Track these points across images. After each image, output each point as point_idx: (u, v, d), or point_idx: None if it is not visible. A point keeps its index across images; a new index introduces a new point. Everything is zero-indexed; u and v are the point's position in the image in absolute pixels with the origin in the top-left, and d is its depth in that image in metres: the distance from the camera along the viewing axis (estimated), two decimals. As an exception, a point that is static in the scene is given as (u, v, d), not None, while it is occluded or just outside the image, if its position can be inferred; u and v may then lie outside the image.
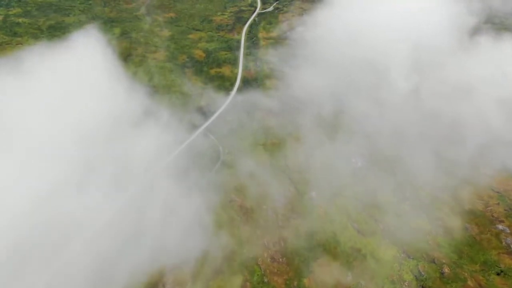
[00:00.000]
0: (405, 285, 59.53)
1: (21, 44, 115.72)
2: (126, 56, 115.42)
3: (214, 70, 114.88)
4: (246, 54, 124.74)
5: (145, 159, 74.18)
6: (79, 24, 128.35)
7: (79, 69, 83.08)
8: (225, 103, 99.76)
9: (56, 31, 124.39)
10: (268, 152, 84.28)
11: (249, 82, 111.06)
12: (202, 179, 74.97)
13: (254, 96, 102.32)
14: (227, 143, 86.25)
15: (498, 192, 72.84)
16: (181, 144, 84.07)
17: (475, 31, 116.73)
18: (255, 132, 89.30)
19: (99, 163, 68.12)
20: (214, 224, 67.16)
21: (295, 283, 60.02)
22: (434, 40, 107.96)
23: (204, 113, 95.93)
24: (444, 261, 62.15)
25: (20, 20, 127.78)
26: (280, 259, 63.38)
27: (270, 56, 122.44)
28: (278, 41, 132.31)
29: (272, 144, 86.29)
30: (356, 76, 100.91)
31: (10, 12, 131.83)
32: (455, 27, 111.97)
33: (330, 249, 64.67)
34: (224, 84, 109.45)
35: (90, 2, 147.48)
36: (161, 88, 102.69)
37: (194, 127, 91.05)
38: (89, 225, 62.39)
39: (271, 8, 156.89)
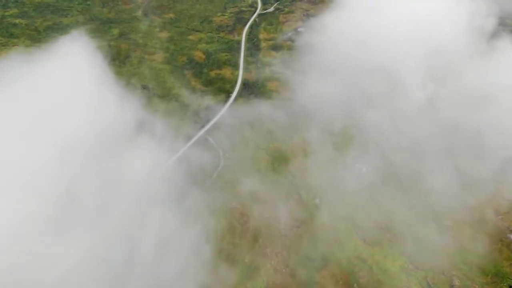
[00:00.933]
0: (413, 297, 57.36)
1: (18, 45, 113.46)
2: (125, 58, 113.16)
3: (214, 72, 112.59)
4: (246, 56, 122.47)
5: (136, 179, 66.84)
6: (76, 25, 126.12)
7: (63, 78, 74.48)
8: (225, 107, 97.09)
9: (53, 32, 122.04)
10: (270, 157, 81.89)
11: (250, 85, 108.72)
12: (201, 188, 71.77)
13: (255, 100, 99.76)
14: (227, 149, 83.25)
15: (509, 200, 70.57)
16: (177, 155, 78.44)
17: (493, 34, 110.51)
18: (256, 136, 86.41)
19: (82, 188, 59.65)
20: (214, 232, 64.76)
21: (299, 295, 57.79)
22: (450, 44, 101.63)
23: (203, 118, 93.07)
24: (454, 272, 59.90)
25: (16, 21, 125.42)
26: (283, 270, 61.09)
27: (271, 58, 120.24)
28: (279, 42, 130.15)
29: (274, 149, 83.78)
30: (366, 83, 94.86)
31: (6, 13, 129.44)
32: (473, 29, 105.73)
33: (335, 259, 62.42)
34: (224, 86, 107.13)
35: (89, 2, 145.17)
36: (159, 91, 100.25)
37: (192, 136, 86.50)
38: (66, 265, 53.60)
39: (271, 9, 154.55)
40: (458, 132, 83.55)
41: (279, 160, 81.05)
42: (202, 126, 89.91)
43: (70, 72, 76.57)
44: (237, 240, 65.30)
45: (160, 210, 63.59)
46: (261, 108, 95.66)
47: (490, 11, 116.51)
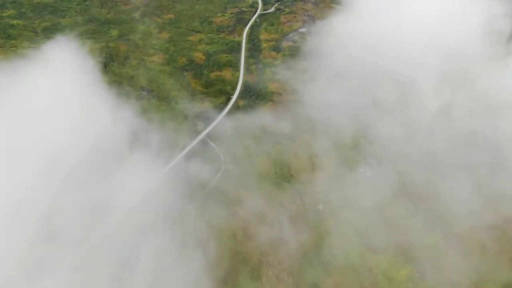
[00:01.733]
0: (421, 308, 55.58)
1: (15, 47, 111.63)
2: (124, 59, 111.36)
3: (214, 73, 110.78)
4: (247, 57, 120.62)
5: (128, 202, 57.97)
6: (74, 26, 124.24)
7: (48, 88, 66.30)
8: (223, 113, 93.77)
9: (51, 33, 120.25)
10: (272, 161, 79.72)
11: (251, 86, 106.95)
12: (200, 201, 67.61)
13: (257, 102, 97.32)
14: (227, 158, 78.79)
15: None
16: (171, 165, 71.45)
17: (511, 37, 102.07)
18: (258, 143, 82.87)
19: (64, 219, 50.43)
20: (216, 244, 62.80)
21: (302, 305, 56.04)
22: (465, 48, 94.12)
23: (203, 124, 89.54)
24: (462, 282, 58.02)
25: (14, 22, 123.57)
26: (286, 279, 59.28)
27: (272, 59, 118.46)
28: (280, 43, 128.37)
29: (276, 153, 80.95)
30: (376, 89, 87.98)
31: (4, 14, 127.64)
32: (489, 32, 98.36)
33: (339, 267, 60.60)
34: (225, 88, 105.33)
35: (87, 3, 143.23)
36: (158, 94, 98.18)
37: (191, 147, 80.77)
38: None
39: (272, 9, 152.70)
40: (476, 142, 77.90)
41: (280, 164, 78.81)
42: (201, 135, 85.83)
43: (56, 81, 69.45)
44: (238, 248, 63.52)
45: (154, 238, 57.04)
46: (263, 114, 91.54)
47: (507, 12, 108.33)
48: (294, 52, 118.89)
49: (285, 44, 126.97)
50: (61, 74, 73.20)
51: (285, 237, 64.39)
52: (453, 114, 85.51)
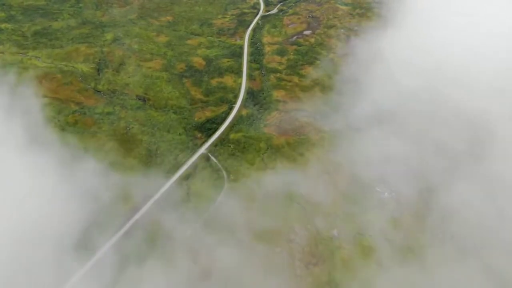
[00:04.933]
0: None
1: (3, 53, 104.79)
2: (118, 66, 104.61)
3: (215, 80, 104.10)
4: (250, 62, 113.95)
5: None
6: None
7: None
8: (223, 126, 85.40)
9: (42, 37, 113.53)
10: (279, 175, 71.90)
11: (254, 94, 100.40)
12: None
13: (260, 112, 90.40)
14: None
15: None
16: None
17: None
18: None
19: None
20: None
21: None
22: None
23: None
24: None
25: (2, 25, 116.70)
26: None
27: (276, 64, 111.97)
28: (284, 47, 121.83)
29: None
30: (441, 135, 61.64)
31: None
32: None
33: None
34: (226, 96, 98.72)
35: (81, 5, 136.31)
36: (155, 103, 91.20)
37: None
38: None
39: (275, 10, 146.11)
40: None
41: (287, 182, 70.82)
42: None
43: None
44: (245, 279, 56.79)
45: None
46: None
47: None
48: (296, 56, 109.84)
49: (289, 47, 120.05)
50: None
51: (298, 270, 57.36)
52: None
